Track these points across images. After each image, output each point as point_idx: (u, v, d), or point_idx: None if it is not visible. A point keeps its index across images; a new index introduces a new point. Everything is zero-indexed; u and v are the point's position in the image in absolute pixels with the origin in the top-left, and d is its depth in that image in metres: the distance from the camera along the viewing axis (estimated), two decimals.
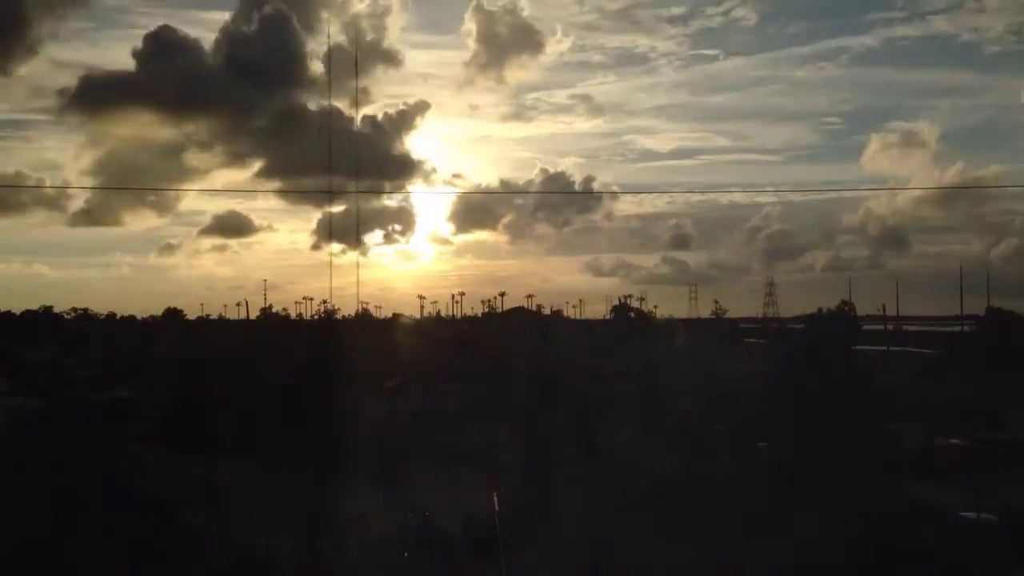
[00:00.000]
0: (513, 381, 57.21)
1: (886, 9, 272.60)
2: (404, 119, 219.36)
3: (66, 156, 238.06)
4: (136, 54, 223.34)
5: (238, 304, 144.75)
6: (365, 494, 37.25)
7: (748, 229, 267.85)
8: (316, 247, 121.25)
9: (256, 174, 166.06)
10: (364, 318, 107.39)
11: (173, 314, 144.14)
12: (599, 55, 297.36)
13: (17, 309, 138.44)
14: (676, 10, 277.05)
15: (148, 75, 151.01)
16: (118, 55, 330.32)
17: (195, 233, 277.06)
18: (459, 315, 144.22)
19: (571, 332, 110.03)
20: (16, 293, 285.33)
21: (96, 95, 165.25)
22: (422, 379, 68.93)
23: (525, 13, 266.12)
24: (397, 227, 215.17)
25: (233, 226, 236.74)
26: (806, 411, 41.33)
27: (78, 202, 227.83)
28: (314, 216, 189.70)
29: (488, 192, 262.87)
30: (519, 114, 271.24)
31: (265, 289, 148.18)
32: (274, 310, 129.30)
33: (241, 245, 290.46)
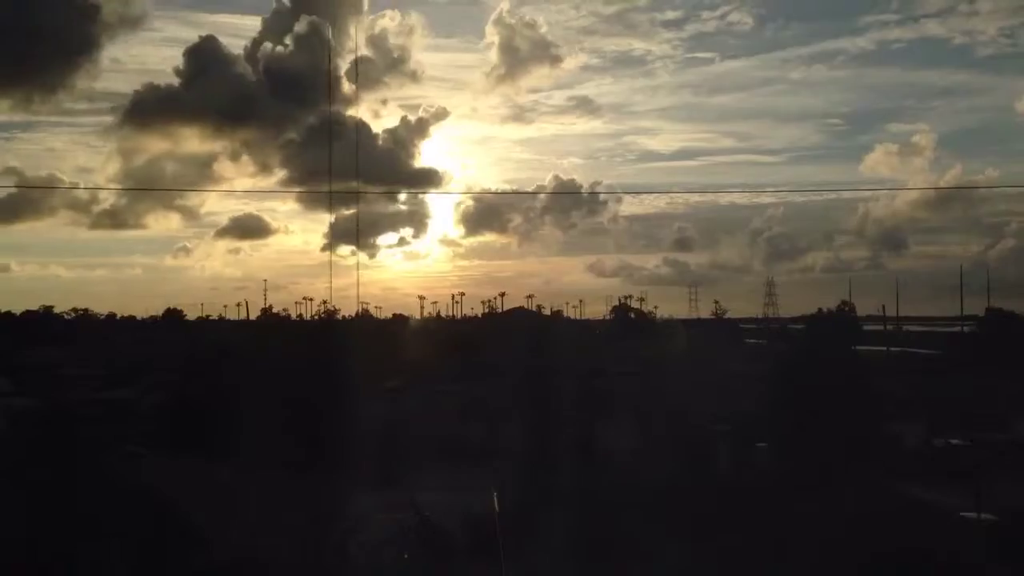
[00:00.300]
0: (513, 381, 57.26)
1: (882, 11, 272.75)
2: (406, 121, 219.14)
3: (96, 161, 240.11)
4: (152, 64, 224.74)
5: (238, 304, 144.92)
6: (365, 494, 37.28)
7: (749, 229, 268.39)
8: (325, 249, 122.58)
9: (279, 181, 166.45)
10: (364, 318, 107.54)
11: (173, 314, 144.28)
12: (599, 57, 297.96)
13: (32, 308, 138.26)
14: (671, 14, 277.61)
15: (184, 88, 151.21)
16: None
17: (210, 235, 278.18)
18: (459, 315, 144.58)
19: (571, 332, 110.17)
20: (28, 293, 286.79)
21: (143, 107, 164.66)
22: (422, 379, 68.95)
23: (526, 17, 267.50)
24: (403, 229, 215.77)
25: (248, 228, 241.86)
26: (806, 411, 41.37)
27: (101, 205, 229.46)
28: (327, 220, 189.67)
29: (488, 193, 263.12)
30: (519, 116, 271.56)
31: (265, 289, 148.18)
32: (275, 310, 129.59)
33: (254, 247, 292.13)
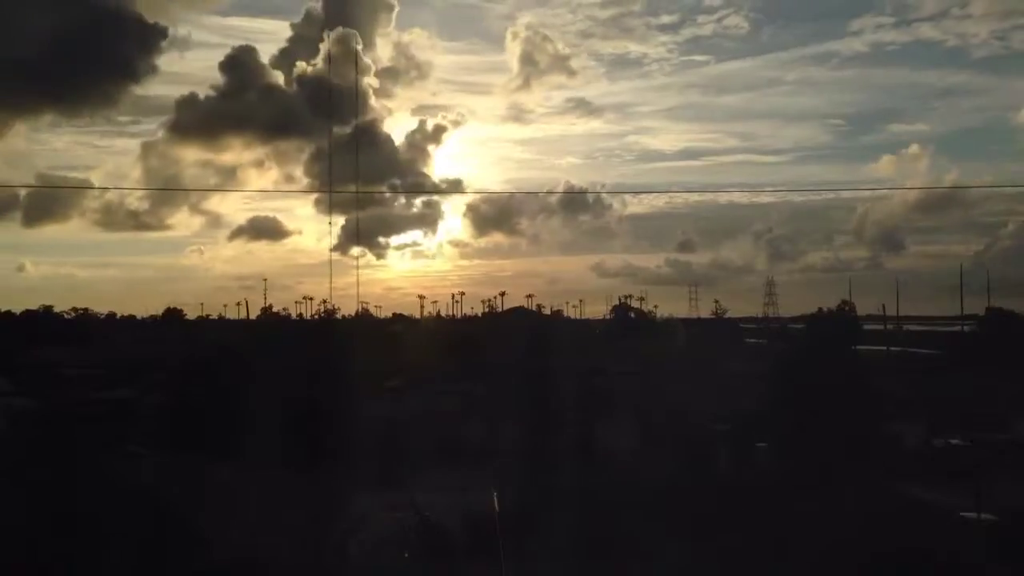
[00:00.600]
0: (513, 381, 57.21)
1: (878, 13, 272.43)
2: (408, 123, 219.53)
3: (123, 164, 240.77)
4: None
5: (238, 304, 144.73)
6: (365, 494, 37.28)
7: (749, 229, 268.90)
8: (334, 249, 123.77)
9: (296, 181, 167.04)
10: (364, 318, 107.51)
11: (172, 314, 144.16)
12: (599, 58, 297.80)
13: (32, 308, 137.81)
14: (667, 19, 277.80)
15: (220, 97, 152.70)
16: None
17: (224, 236, 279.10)
18: (459, 315, 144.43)
19: (571, 332, 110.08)
20: (41, 292, 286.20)
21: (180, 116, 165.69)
22: (422, 379, 68.91)
23: (525, 20, 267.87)
24: (411, 231, 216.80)
25: (262, 230, 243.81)
26: (806, 411, 41.37)
27: (121, 206, 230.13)
28: (338, 221, 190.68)
29: (489, 193, 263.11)
30: (519, 116, 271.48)
31: (265, 288, 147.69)
32: (274, 309, 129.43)
33: (266, 248, 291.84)
